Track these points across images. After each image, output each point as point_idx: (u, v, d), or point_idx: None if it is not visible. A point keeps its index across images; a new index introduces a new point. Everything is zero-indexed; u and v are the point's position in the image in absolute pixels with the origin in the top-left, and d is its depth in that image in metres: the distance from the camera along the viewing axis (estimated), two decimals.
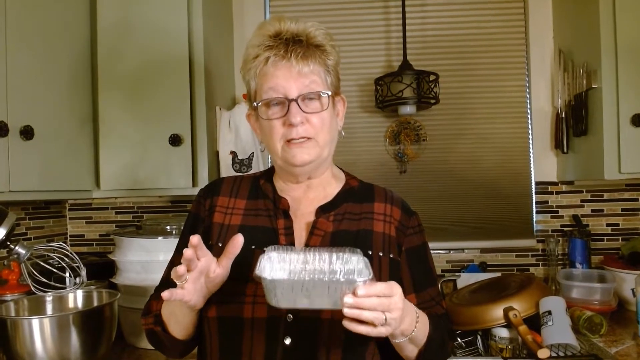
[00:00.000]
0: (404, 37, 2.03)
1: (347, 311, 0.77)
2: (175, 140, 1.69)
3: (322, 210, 1.04)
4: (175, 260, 1.09)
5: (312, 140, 0.98)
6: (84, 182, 1.70)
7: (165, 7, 1.71)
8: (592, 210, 2.13)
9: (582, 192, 2.13)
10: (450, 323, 1.12)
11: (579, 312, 1.62)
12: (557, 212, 2.14)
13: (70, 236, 2.24)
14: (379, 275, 1.00)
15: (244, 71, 1.03)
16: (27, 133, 1.38)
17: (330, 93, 0.99)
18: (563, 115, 2.02)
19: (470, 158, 2.17)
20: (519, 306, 1.54)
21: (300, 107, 0.96)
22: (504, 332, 1.54)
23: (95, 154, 1.74)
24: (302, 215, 1.05)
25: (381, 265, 1.01)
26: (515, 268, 2.15)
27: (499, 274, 1.98)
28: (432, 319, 1.00)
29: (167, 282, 1.08)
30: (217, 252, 1.00)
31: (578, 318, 1.59)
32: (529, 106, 2.16)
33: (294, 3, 2.21)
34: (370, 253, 1.01)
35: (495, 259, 2.16)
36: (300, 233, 1.02)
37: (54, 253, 1.45)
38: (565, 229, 2.13)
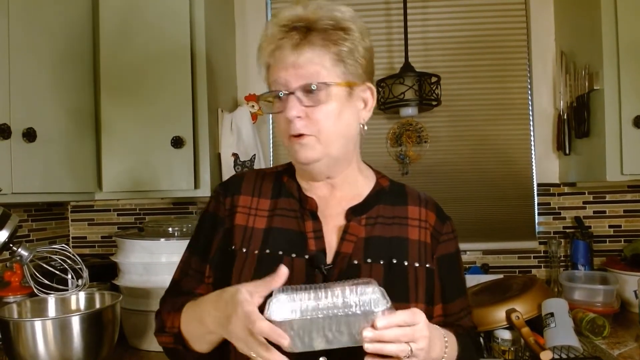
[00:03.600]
0: (406, 39, 2.03)
1: (368, 346, 0.71)
2: (177, 143, 1.69)
3: (352, 213, 0.97)
4: (187, 260, 1.04)
5: (313, 137, 0.90)
6: (86, 184, 1.70)
7: (167, 8, 1.72)
8: (594, 212, 2.12)
9: (584, 193, 2.13)
10: (477, 335, 1.08)
11: (581, 314, 1.61)
12: (559, 213, 2.14)
13: (73, 238, 2.24)
14: (416, 287, 0.93)
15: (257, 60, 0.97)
16: (29, 135, 1.38)
17: (336, 82, 0.88)
18: (565, 117, 2.02)
19: (472, 160, 2.17)
20: (522, 308, 1.54)
21: (301, 100, 0.88)
22: (506, 334, 1.54)
23: (98, 156, 1.75)
24: (331, 217, 0.97)
25: (417, 276, 0.94)
26: (517, 270, 2.15)
27: (501, 276, 1.98)
28: (460, 339, 0.93)
29: (178, 284, 1.03)
30: (242, 259, 0.94)
31: (580, 320, 1.59)
32: (531, 108, 2.16)
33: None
34: (405, 264, 0.94)
35: (497, 261, 2.15)
36: (330, 237, 0.95)
37: (56, 255, 1.45)
38: (567, 230, 2.12)
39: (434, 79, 1.98)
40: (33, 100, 1.44)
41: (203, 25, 1.74)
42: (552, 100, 2.13)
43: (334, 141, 0.91)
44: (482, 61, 2.16)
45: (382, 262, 0.93)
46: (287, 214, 0.98)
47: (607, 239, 2.12)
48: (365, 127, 0.97)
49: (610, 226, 2.12)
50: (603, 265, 1.99)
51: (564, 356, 1.45)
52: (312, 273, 0.91)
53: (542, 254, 2.14)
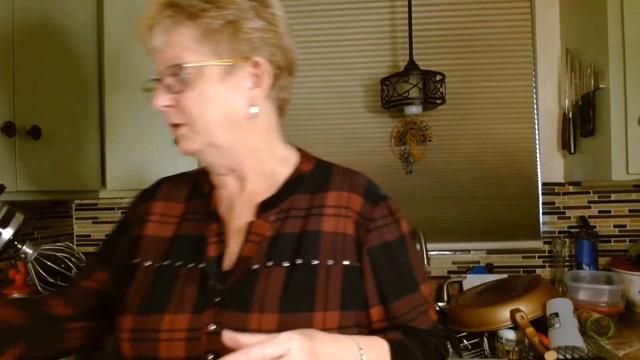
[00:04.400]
0: (410, 36, 2.03)
1: None
2: None
3: (263, 208, 0.84)
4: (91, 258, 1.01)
5: (187, 127, 0.80)
6: (91, 183, 1.71)
7: None
8: (599, 212, 2.11)
9: (589, 193, 2.12)
10: (440, 337, 0.87)
11: (586, 314, 1.61)
12: (564, 213, 2.13)
13: (77, 236, 2.24)
14: (325, 292, 0.77)
15: None
16: (34, 133, 1.38)
17: (196, 62, 0.77)
18: (570, 116, 2.01)
19: (476, 158, 2.16)
20: (526, 308, 1.54)
21: (171, 87, 0.79)
22: (510, 334, 1.53)
23: (102, 154, 1.75)
24: (240, 216, 0.85)
25: (329, 277, 0.78)
26: (521, 269, 2.14)
27: (505, 276, 1.97)
28: (395, 346, 0.77)
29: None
30: (141, 273, 0.83)
31: (585, 320, 1.58)
32: (535, 106, 2.15)
33: (298, 2, 2.20)
34: (314, 263, 0.79)
35: (501, 261, 2.15)
36: (235, 239, 0.83)
37: (60, 253, 1.46)
38: (572, 230, 2.11)
39: (438, 77, 1.97)
40: (37, 98, 1.44)
41: None
42: (557, 99, 2.12)
43: (212, 129, 0.79)
44: (487, 59, 2.15)
45: (285, 265, 0.78)
46: (196, 218, 0.87)
47: (612, 239, 2.10)
48: (251, 110, 0.81)
49: (615, 226, 2.11)
50: (608, 265, 1.98)
51: (568, 356, 1.44)
52: (206, 284, 0.79)
53: (546, 254, 2.13)
